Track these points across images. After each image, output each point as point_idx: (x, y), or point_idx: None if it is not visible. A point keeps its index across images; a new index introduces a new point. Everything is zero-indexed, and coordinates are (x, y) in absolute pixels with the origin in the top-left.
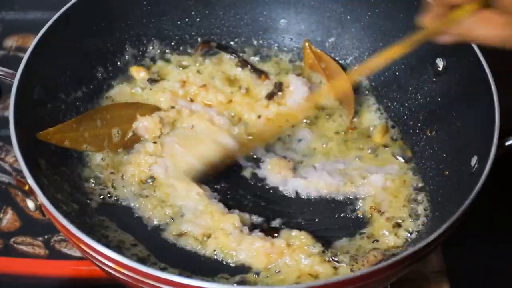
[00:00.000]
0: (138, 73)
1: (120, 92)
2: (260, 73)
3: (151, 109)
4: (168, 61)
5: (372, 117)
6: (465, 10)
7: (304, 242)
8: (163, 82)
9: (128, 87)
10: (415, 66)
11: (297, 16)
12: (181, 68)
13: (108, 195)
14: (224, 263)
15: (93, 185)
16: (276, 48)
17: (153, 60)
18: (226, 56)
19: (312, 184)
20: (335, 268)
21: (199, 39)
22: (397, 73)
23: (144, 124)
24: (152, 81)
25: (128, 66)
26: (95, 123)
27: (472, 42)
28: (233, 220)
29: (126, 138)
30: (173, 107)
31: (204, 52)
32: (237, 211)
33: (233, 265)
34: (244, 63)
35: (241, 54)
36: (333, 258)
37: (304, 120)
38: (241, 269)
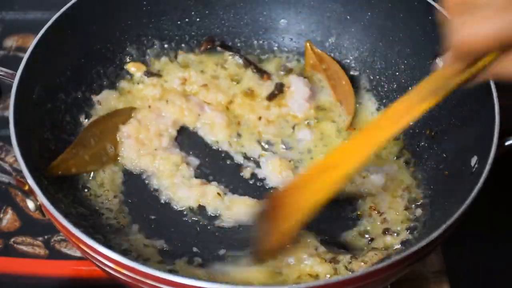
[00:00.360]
0: (135, 68)
1: (107, 96)
2: (262, 73)
3: (128, 112)
4: (171, 59)
5: (372, 117)
6: (490, 58)
7: (309, 242)
8: (162, 78)
9: (115, 90)
10: (415, 66)
11: (297, 16)
12: (184, 65)
13: (106, 193)
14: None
15: (93, 184)
16: (276, 48)
17: (157, 57)
18: (229, 56)
19: None
20: (335, 269)
21: (199, 39)
22: (397, 73)
23: (126, 131)
24: (150, 74)
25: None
26: (89, 143)
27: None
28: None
29: (120, 148)
30: (149, 107)
31: (208, 49)
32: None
33: None
34: (247, 63)
35: (247, 60)
36: (333, 258)
37: (306, 121)
38: None
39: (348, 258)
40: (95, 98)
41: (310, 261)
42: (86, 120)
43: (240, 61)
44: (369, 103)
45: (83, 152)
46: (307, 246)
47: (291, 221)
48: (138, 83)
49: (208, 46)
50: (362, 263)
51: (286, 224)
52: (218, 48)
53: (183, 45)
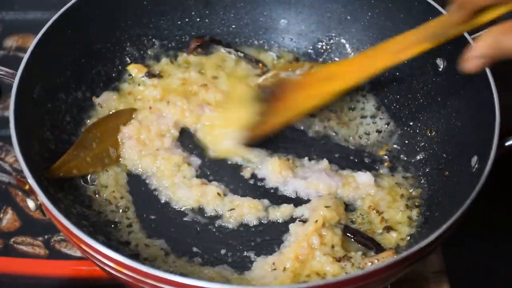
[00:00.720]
0: (137, 70)
1: (107, 98)
2: (257, 62)
3: (129, 113)
4: (171, 60)
5: (373, 116)
6: (492, 14)
7: (333, 240)
8: (163, 79)
9: (115, 91)
10: (415, 66)
11: (297, 16)
12: (185, 66)
13: (108, 193)
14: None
15: (94, 184)
16: (276, 48)
17: (157, 58)
18: (224, 52)
19: (312, 185)
20: (343, 268)
21: None
22: (397, 73)
23: (127, 132)
24: (151, 75)
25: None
26: (91, 145)
27: (503, 56)
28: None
29: (121, 149)
30: (150, 108)
31: (197, 47)
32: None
33: None
34: (242, 57)
35: (239, 52)
36: (345, 255)
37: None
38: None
39: (359, 255)
40: (95, 100)
41: (323, 259)
42: (87, 120)
43: (234, 54)
44: (370, 103)
45: (84, 154)
46: (326, 244)
47: (284, 115)
48: (138, 84)
49: (197, 43)
50: (369, 263)
51: (279, 117)
52: (215, 46)
53: (183, 45)
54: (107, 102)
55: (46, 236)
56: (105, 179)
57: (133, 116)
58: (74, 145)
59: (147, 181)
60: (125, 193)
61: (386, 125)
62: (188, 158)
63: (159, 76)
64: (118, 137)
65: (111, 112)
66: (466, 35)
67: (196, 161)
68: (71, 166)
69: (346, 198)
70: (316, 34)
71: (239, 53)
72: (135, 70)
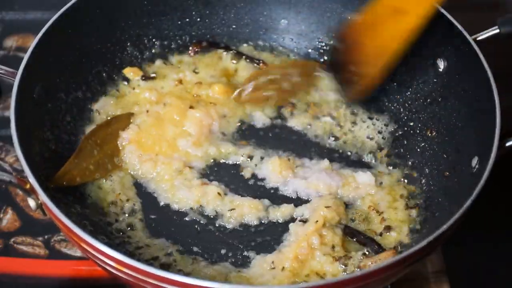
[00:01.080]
0: (132, 73)
1: (104, 104)
2: (258, 61)
3: (127, 118)
4: (166, 61)
5: (373, 117)
6: None
7: (333, 240)
8: (158, 81)
9: (112, 96)
10: (415, 67)
11: (297, 16)
12: (179, 67)
13: (110, 193)
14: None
15: (94, 185)
16: (276, 48)
17: (152, 60)
18: (222, 53)
19: (312, 185)
20: (344, 268)
21: (199, 40)
22: (398, 74)
23: (126, 137)
24: (147, 78)
25: (128, 66)
26: (91, 152)
27: None
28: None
29: (122, 154)
30: (147, 111)
31: (197, 52)
32: None
33: None
34: (239, 56)
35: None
36: (345, 255)
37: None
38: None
39: (360, 255)
40: (93, 106)
41: (323, 259)
42: (87, 120)
43: (232, 55)
44: (370, 104)
45: (86, 162)
46: (326, 244)
47: (373, 65)
48: (134, 88)
49: (196, 49)
50: (370, 263)
51: (369, 68)
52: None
53: (183, 45)
54: (104, 108)
55: (46, 236)
56: (109, 183)
57: (131, 120)
58: (75, 153)
59: (149, 183)
60: (133, 195)
61: (386, 126)
62: (189, 162)
63: (154, 78)
64: (117, 142)
65: (108, 118)
66: (466, 35)
67: (199, 164)
68: (74, 174)
69: (346, 198)
70: (316, 34)
71: (238, 53)
72: (130, 73)
